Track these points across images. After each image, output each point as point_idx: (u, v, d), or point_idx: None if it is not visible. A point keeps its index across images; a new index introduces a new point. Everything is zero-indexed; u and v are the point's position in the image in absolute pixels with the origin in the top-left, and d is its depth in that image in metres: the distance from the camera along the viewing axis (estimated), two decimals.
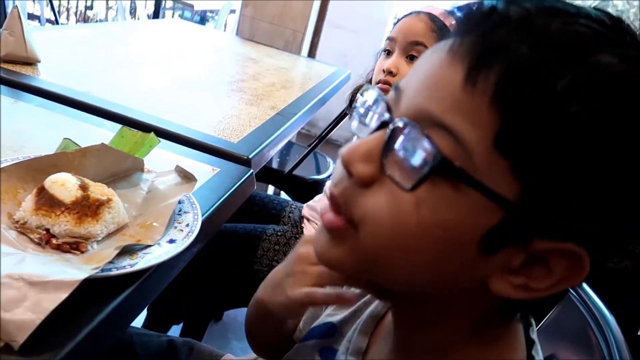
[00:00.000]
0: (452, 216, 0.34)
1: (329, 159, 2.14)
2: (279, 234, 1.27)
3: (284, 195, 2.03)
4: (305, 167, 1.89)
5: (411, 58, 1.05)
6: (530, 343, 0.43)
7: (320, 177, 1.94)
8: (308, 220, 1.32)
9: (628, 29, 0.34)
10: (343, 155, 0.37)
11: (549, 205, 0.33)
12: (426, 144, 0.33)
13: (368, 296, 0.58)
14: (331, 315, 0.60)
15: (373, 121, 0.40)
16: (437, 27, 1.01)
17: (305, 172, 1.90)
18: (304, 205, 1.38)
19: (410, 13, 1.06)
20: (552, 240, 0.34)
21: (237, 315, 1.77)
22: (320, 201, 1.32)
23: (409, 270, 0.37)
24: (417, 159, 0.34)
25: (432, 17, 1.02)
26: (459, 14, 0.37)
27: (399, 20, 1.09)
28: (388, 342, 0.49)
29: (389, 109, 0.38)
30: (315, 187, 1.87)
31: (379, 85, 1.07)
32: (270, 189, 2.29)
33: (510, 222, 0.33)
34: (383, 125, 0.37)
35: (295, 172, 1.85)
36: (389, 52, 1.09)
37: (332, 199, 0.39)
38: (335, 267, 0.42)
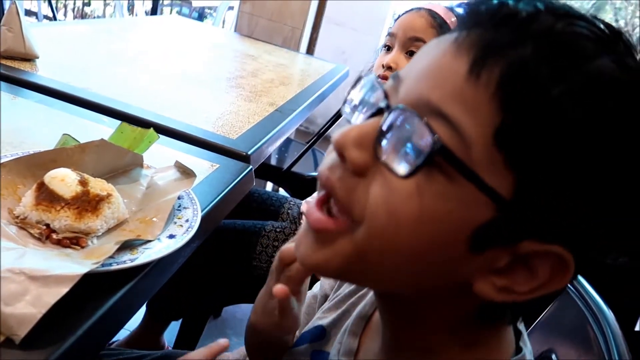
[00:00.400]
0: (444, 208, 0.33)
1: None
2: (277, 230, 1.27)
3: (282, 191, 2.03)
4: (303, 163, 1.89)
5: (411, 54, 1.05)
6: (519, 350, 0.42)
7: None
8: None
9: (627, 41, 0.34)
10: (336, 139, 0.36)
11: (542, 204, 0.33)
12: (425, 131, 0.32)
13: (355, 297, 0.58)
14: (320, 318, 0.60)
15: (368, 108, 0.39)
16: (437, 24, 1.01)
17: (303, 168, 1.90)
18: (303, 201, 1.38)
19: (411, 9, 1.07)
20: (539, 242, 0.34)
21: (236, 312, 1.77)
22: None
23: (395, 265, 0.36)
24: (414, 147, 0.33)
25: (432, 14, 1.02)
26: (465, 7, 0.37)
27: (399, 17, 1.09)
28: (377, 341, 0.49)
29: (386, 96, 0.37)
30: (313, 184, 1.85)
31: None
32: (269, 186, 2.29)
33: (502, 219, 0.33)
34: (379, 112, 0.37)
35: (293, 169, 1.86)
36: (389, 48, 1.09)
37: (328, 183, 0.37)
38: (321, 270, 0.40)
